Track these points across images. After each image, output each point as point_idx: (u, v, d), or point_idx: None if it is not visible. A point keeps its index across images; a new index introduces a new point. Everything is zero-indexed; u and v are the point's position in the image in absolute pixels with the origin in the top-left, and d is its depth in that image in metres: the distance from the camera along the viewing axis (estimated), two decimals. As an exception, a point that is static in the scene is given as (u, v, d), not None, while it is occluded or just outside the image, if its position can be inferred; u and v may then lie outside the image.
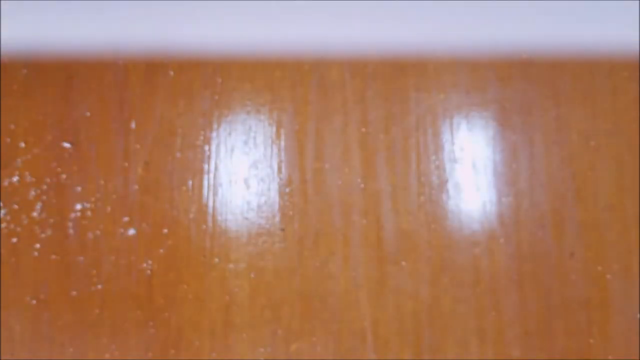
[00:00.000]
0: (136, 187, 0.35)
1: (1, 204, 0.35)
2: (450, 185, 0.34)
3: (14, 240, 0.35)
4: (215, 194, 0.35)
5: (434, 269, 0.33)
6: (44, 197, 0.35)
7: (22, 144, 0.36)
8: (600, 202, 0.33)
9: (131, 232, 0.35)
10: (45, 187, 0.35)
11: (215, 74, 0.35)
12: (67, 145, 0.35)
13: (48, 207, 0.35)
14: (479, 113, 0.34)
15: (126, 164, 0.35)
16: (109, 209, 0.35)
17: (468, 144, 0.34)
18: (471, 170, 0.34)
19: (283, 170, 0.34)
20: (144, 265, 0.35)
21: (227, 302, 0.34)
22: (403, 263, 0.33)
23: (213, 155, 0.35)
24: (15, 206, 0.35)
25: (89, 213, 0.35)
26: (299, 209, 0.34)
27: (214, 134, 0.35)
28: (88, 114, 0.35)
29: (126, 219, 0.35)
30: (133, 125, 0.35)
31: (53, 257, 0.35)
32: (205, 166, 0.35)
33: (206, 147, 0.35)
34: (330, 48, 0.34)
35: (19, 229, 0.35)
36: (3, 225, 0.35)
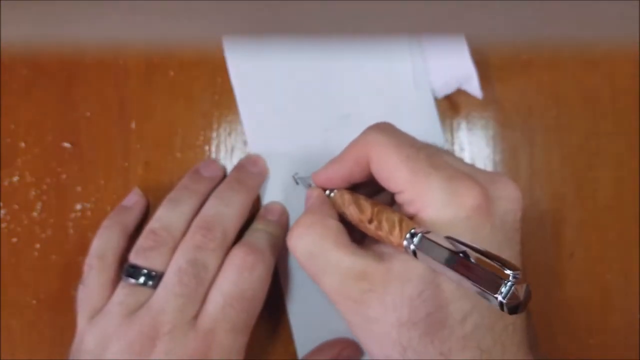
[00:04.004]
0: (136, 187, 0.35)
1: (1, 204, 0.35)
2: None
3: (14, 240, 0.35)
4: (215, 194, 0.35)
5: (434, 269, 0.33)
6: (44, 197, 0.35)
7: (22, 144, 0.36)
8: (600, 202, 0.33)
9: (131, 232, 0.35)
10: (45, 187, 0.35)
11: (215, 74, 0.35)
12: (67, 145, 0.35)
13: (48, 207, 0.35)
14: (479, 113, 0.34)
15: (126, 164, 0.35)
16: (109, 209, 0.35)
17: (468, 144, 0.34)
18: (471, 170, 0.34)
19: (283, 170, 0.34)
20: (144, 265, 0.35)
21: (227, 302, 0.34)
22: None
23: (213, 155, 0.35)
24: (15, 206, 0.35)
25: (89, 213, 0.35)
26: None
27: (214, 134, 0.35)
28: (88, 114, 0.35)
29: (126, 219, 0.35)
30: (133, 125, 0.35)
31: (53, 257, 0.35)
32: (205, 166, 0.35)
33: (206, 147, 0.35)
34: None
35: (19, 229, 0.35)
36: (3, 225, 0.35)
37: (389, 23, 0.32)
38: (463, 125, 0.34)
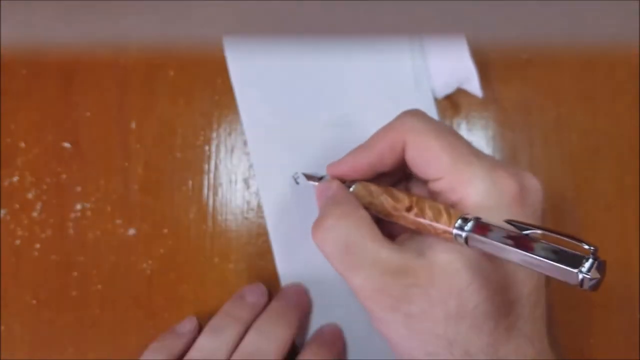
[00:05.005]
0: (136, 187, 0.35)
1: (1, 204, 0.35)
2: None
3: (14, 240, 0.35)
4: (215, 194, 0.35)
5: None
6: (44, 197, 0.35)
7: (22, 144, 0.36)
8: (600, 202, 0.33)
9: (131, 232, 0.35)
10: (45, 187, 0.35)
11: (215, 74, 0.35)
12: (67, 145, 0.35)
13: (48, 207, 0.35)
14: (479, 113, 0.34)
15: (126, 164, 0.35)
16: (109, 209, 0.35)
17: (468, 144, 0.34)
18: (471, 170, 0.34)
19: (283, 170, 0.34)
20: (144, 265, 0.35)
21: (227, 302, 0.34)
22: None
23: (213, 155, 0.35)
24: (16, 206, 0.35)
25: (89, 213, 0.35)
26: (299, 209, 0.34)
27: (214, 134, 0.35)
28: (88, 114, 0.35)
29: (126, 219, 0.35)
30: (133, 125, 0.35)
31: (53, 257, 0.35)
32: (205, 166, 0.35)
33: (206, 147, 0.35)
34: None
35: (19, 229, 0.35)
36: (3, 225, 0.35)
37: (389, 23, 0.32)
38: (463, 125, 0.34)
